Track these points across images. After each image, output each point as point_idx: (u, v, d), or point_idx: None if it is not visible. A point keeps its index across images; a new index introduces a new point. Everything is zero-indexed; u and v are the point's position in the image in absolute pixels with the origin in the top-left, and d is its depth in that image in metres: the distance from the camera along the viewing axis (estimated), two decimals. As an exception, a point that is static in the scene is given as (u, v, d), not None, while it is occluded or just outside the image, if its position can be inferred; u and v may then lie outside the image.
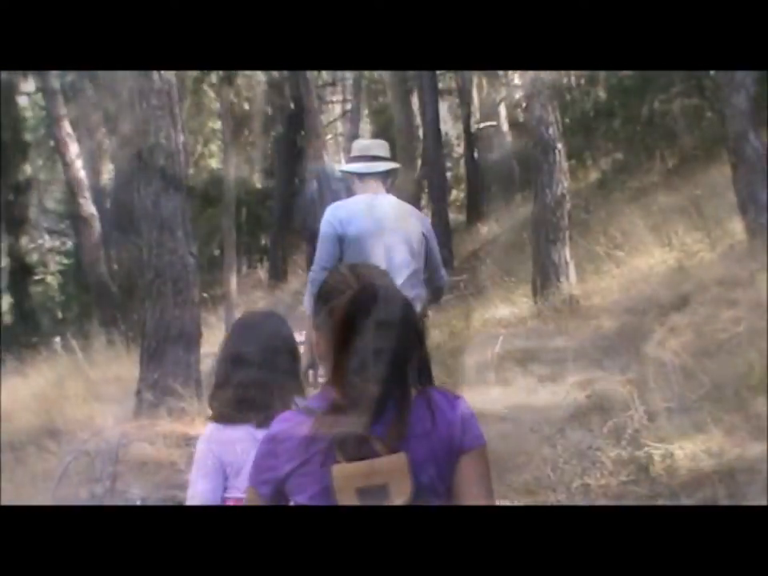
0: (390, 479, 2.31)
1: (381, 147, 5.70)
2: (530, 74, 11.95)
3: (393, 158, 5.75)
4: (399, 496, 2.31)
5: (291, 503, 2.43)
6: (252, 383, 3.46)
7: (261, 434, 3.17)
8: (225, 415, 3.51)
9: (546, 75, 11.99)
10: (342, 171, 6.15)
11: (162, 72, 9.43)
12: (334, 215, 5.42)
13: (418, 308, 5.09)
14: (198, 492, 3.51)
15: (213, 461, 3.49)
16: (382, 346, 2.33)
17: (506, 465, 6.96)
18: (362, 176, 5.56)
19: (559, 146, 12.22)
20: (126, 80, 10.11)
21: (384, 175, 5.57)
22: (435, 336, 12.36)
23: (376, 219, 5.33)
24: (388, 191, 5.59)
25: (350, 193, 5.82)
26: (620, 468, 6.30)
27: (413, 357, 2.40)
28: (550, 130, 12.19)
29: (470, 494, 2.41)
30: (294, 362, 3.58)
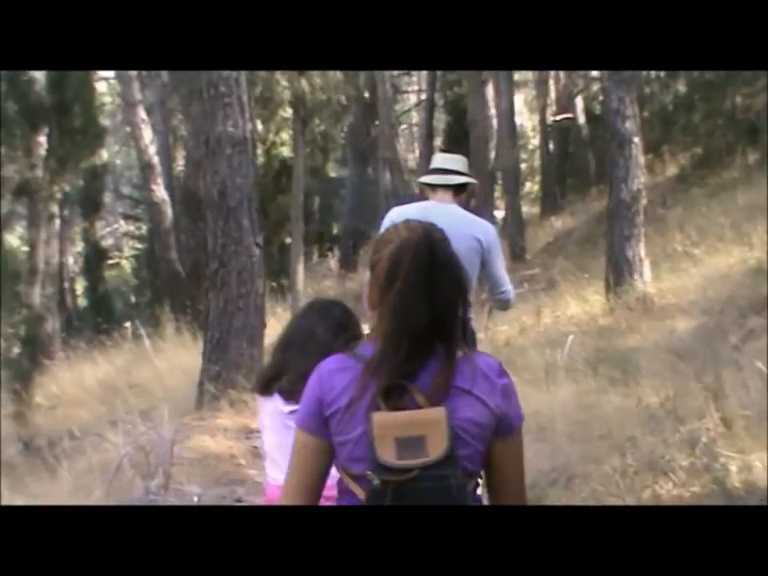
0: (427, 431, 2.36)
1: (458, 162, 5.80)
2: (608, 65, 11.58)
3: (470, 174, 5.88)
4: (435, 449, 2.36)
5: (334, 442, 2.50)
6: (293, 361, 3.56)
7: (287, 407, 3.51)
8: (258, 387, 3.72)
9: (625, 67, 11.63)
10: (420, 183, 6.12)
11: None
12: (390, 218, 5.44)
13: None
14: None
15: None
16: (429, 299, 2.43)
17: (573, 471, 6.73)
18: (435, 187, 5.68)
19: (636, 139, 11.87)
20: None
21: (456, 188, 5.66)
22: (504, 331, 12.13)
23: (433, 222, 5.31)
24: (458, 203, 5.68)
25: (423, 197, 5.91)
26: (693, 479, 6.01)
27: (459, 315, 2.50)
28: (627, 124, 11.84)
29: (508, 472, 2.54)
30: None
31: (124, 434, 7.76)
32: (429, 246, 2.48)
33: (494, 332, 12.28)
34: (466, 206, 5.85)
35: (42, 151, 15.76)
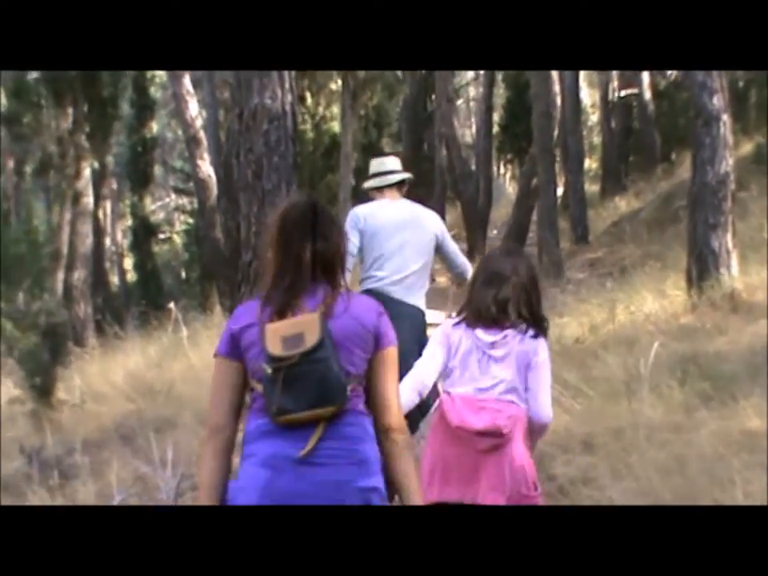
0: (305, 329, 3.15)
1: (393, 162, 6.69)
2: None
3: (404, 170, 6.73)
4: (310, 340, 3.13)
5: (246, 360, 3.27)
6: (504, 293, 4.45)
7: (489, 337, 4.42)
8: (476, 319, 4.49)
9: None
10: (364, 188, 6.78)
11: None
12: (356, 213, 6.42)
13: (423, 304, 6.35)
14: None
15: None
16: (312, 242, 3.26)
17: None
18: (380, 189, 6.54)
19: (724, 117, 10.65)
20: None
21: (398, 185, 6.56)
22: (573, 328, 11.00)
23: (390, 219, 6.30)
24: (403, 196, 6.57)
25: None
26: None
27: (342, 257, 3.33)
28: (715, 99, 10.62)
29: (382, 381, 3.29)
30: None
31: (135, 454, 6.73)
32: (311, 204, 3.32)
33: (560, 327, 11.16)
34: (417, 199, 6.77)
35: (68, 124, 14.69)
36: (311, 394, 3.11)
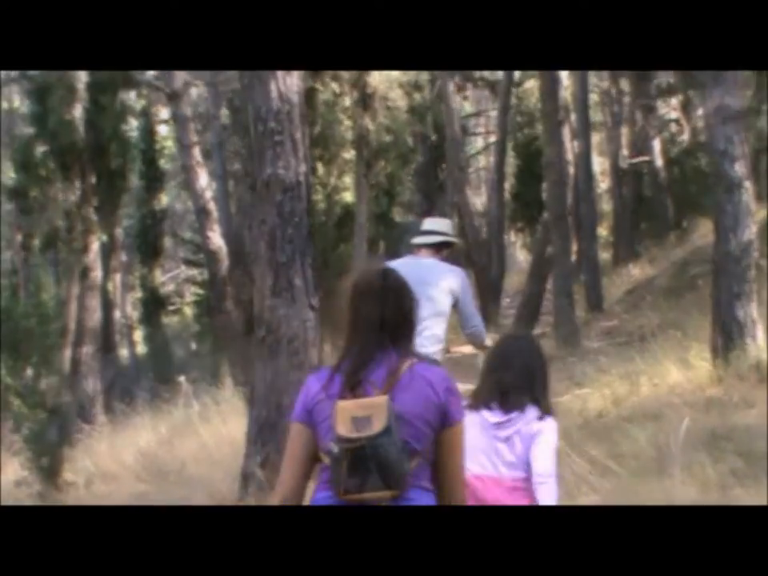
0: (373, 412, 3.21)
1: (441, 224, 7.18)
2: (715, 99, 10.24)
3: (450, 234, 7.13)
4: (377, 425, 3.18)
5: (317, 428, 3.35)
6: (508, 381, 4.50)
7: (494, 417, 4.48)
8: (479, 404, 4.53)
9: (734, 102, 10.28)
10: (412, 243, 7.14)
11: (283, 90, 7.99)
12: None
13: (439, 353, 6.58)
14: None
15: None
16: (381, 310, 3.34)
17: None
18: (420, 246, 6.92)
19: (747, 183, 10.46)
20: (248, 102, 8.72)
21: (437, 246, 6.88)
22: (595, 400, 10.70)
23: (407, 274, 5.82)
24: (441, 258, 6.86)
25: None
26: None
27: (411, 325, 3.43)
28: (736, 166, 10.43)
29: (448, 460, 3.33)
30: None
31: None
32: (381, 273, 3.46)
33: (582, 399, 10.88)
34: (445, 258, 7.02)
35: (76, 197, 14.54)
36: (375, 477, 3.19)
